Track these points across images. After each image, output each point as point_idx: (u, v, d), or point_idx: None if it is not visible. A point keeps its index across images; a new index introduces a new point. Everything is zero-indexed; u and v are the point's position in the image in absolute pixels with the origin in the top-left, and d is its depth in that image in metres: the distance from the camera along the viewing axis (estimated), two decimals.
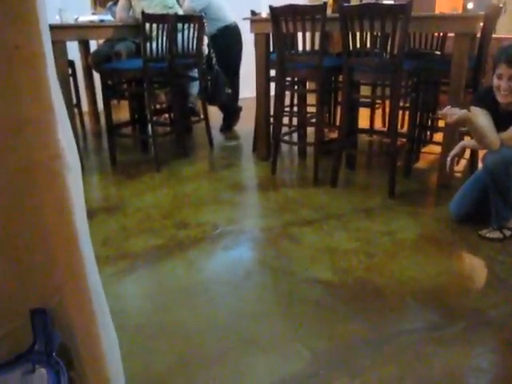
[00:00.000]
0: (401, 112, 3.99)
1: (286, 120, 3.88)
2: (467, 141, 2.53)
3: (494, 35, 3.21)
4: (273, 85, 3.33)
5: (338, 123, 3.57)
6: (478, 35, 2.92)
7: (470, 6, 5.60)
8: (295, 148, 3.85)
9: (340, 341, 1.59)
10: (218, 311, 1.77)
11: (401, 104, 3.63)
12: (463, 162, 3.38)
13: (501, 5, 3.49)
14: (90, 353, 0.96)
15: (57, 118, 0.81)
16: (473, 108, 2.38)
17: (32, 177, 0.82)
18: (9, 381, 0.91)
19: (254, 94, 3.52)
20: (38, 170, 0.82)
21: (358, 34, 2.70)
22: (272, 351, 1.54)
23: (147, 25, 3.25)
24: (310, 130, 3.56)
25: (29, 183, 0.82)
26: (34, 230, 0.86)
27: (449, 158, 2.42)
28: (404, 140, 3.20)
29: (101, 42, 4.60)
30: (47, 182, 0.83)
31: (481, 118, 2.24)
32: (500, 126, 2.34)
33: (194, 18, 3.65)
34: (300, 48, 2.97)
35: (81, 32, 3.29)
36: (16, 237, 0.87)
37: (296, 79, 3.58)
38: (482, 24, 2.81)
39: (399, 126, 3.81)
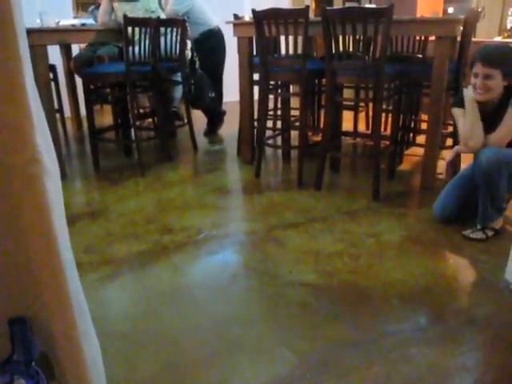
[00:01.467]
0: (384, 115, 4.03)
1: (269, 123, 3.88)
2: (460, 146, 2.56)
3: (473, 39, 3.26)
4: (256, 88, 3.33)
5: (321, 126, 3.58)
6: (459, 39, 2.96)
7: (451, 10, 5.68)
8: (279, 151, 3.85)
9: (326, 343, 1.58)
10: (203, 316, 1.75)
11: (384, 107, 3.65)
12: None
13: (480, 9, 3.53)
14: (71, 361, 0.94)
15: (34, 121, 0.80)
16: (454, 109, 2.42)
17: (9, 181, 0.80)
18: None
19: (238, 98, 3.51)
20: (15, 174, 0.80)
21: (340, 37, 2.72)
22: (258, 355, 1.53)
23: (129, 29, 3.23)
24: (294, 134, 3.57)
25: (6, 187, 0.80)
26: (11, 236, 0.84)
27: (446, 166, 2.46)
28: (387, 142, 3.22)
29: (83, 46, 4.55)
30: (24, 186, 0.81)
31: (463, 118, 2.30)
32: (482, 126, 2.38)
33: (177, 22, 3.63)
34: (283, 51, 2.98)
35: (62, 36, 3.25)
36: None
37: (279, 83, 3.59)
38: (462, 28, 2.85)
39: (382, 129, 3.84)
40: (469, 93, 2.31)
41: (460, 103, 2.37)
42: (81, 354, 0.95)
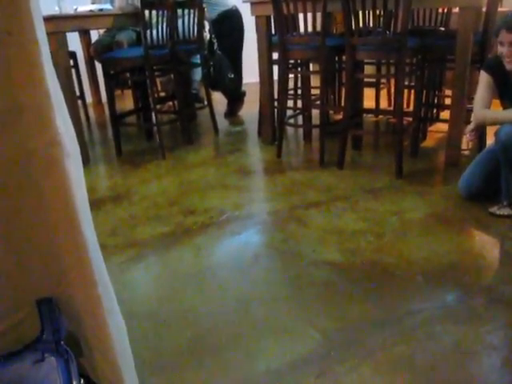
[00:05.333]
0: (406, 91, 3.94)
1: (290, 103, 3.85)
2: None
3: (500, 9, 3.15)
4: (276, 68, 3.29)
5: (343, 104, 3.54)
6: (484, 9, 2.86)
7: None
8: (300, 131, 3.82)
9: (350, 322, 1.58)
10: (227, 296, 1.77)
11: (406, 83, 3.58)
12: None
13: None
14: (97, 339, 0.96)
15: (53, 104, 0.80)
16: (481, 72, 2.35)
17: (30, 164, 0.81)
18: (19, 370, 0.91)
19: (258, 78, 3.48)
20: (36, 157, 0.81)
21: (360, 12, 2.66)
22: (282, 334, 1.54)
23: (146, 12, 3.22)
24: (315, 112, 3.53)
25: (27, 171, 0.82)
26: (35, 219, 0.86)
27: (468, 135, 2.45)
28: (410, 119, 3.16)
29: (102, 31, 4.57)
30: (46, 169, 0.82)
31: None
32: (509, 95, 2.31)
33: (194, 4, 3.60)
34: (302, 29, 2.93)
35: (80, 22, 3.26)
36: (18, 226, 0.87)
37: (299, 61, 3.54)
38: None
39: (405, 105, 3.77)
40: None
41: (490, 68, 2.31)
42: (107, 332, 0.97)
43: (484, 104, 2.31)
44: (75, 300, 0.93)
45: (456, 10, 2.92)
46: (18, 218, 0.86)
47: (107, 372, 1.00)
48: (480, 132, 2.53)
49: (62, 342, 0.94)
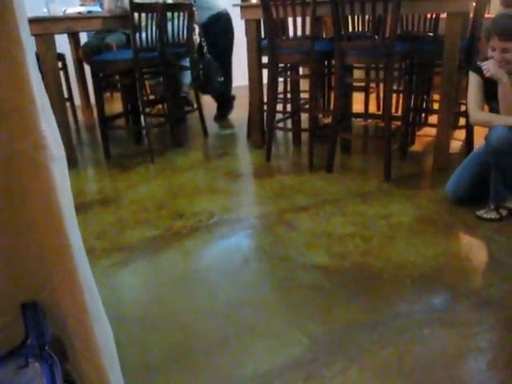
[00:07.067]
0: (395, 95, 3.97)
1: (279, 107, 3.86)
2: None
3: (487, 15, 3.18)
4: (265, 71, 3.30)
5: (332, 108, 3.55)
6: (471, 15, 2.89)
7: None
8: (290, 134, 3.83)
9: (338, 325, 1.58)
10: (216, 300, 1.76)
11: (395, 87, 3.60)
12: (459, 144, 3.37)
13: None
14: (83, 344, 0.95)
15: (38, 107, 0.79)
16: (470, 73, 2.36)
17: (15, 168, 0.80)
18: (2, 376, 0.90)
19: (247, 82, 3.49)
20: (22, 161, 0.80)
21: (349, 16, 2.67)
22: (270, 338, 1.54)
23: (136, 14, 3.21)
24: (305, 116, 3.54)
25: (12, 174, 0.81)
26: (20, 222, 0.85)
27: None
28: (399, 123, 3.18)
29: (91, 34, 4.55)
30: (31, 173, 0.81)
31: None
32: (497, 97, 2.33)
33: (184, 7, 3.60)
34: (291, 33, 2.94)
35: (69, 24, 3.23)
36: (2, 229, 0.86)
37: (288, 65, 3.55)
38: (474, 3, 2.78)
39: (394, 110, 3.79)
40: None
41: (479, 69, 2.33)
42: (93, 338, 0.96)
43: (478, 104, 2.32)
44: (60, 305, 0.91)
45: (444, 15, 2.94)
46: (1, 221, 0.85)
47: (93, 378, 0.99)
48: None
49: (47, 347, 0.93)
